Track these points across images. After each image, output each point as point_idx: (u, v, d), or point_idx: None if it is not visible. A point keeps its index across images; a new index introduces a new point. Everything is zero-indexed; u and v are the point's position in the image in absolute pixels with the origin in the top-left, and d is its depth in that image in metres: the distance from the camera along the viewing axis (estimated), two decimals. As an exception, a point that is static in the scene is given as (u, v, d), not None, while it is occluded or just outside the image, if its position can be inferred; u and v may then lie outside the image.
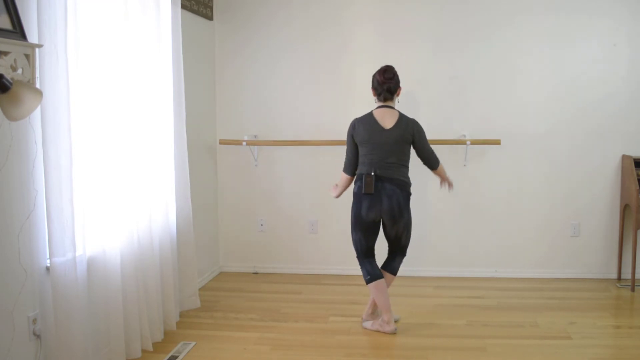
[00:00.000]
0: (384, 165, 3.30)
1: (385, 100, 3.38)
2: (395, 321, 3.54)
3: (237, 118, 4.63)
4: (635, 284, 4.14)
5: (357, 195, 3.36)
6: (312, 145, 4.45)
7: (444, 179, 3.55)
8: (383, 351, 3.24)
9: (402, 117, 3.37)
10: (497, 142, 4.28)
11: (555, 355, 3.08)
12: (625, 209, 4.28)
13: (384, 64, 3.45)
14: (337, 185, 3.59)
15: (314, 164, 4.57)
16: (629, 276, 4.25)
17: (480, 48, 4.35)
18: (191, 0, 4.09)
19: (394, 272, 3.52)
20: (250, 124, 4.61)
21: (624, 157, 4.29)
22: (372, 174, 3.29)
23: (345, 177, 3.50)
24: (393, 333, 3.39)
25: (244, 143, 4.47)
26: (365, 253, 3.44)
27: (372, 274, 3.39)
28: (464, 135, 4.35)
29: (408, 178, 3.39)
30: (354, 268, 4.50)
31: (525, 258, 4.49)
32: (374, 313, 3.58)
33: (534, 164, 4.41)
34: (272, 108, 4.59)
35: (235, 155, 4.66)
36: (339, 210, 4.57)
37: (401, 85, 3.41)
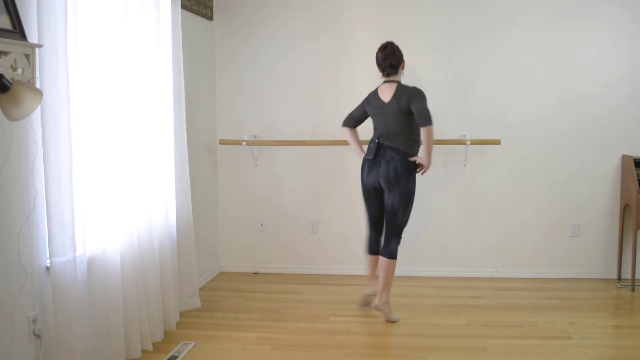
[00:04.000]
0: (386, 135, 3.49)
1: (389, 75, 3.53)
2: (396, 321, 3.56)
3: (237, 118, 4.63)
4: (635, 284, 4.14)
5: (362, 161, 3.61)
6: (312, 145, 4.45)
7: (425, 157, 3.41)
8: (383, 351, 3.25)
9: (398, 88, 3.47)
10: (497, 142, 4.28)
11: (555, 355, 3.08)
12: (625, 209, 4.28)
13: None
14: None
15: (314, 164, 4.57)
16: (629, 276, 4.24)
17: (480, 48, 4.35)
18: (191, 0, 4.09)
19: (392, 255, 3.49)
20: (250, 124, 4.61)
21: (624, 157, 4.29)
22: (376, 141, 3.50)
23: (344, 129, 3.75)
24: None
25: (244, 143, 4.47)
26: (370, 223, 3.70)
27: (368, 245, 3.74)
28: (464, 135, 4.35)
29: (411, 149, 3.49)
30: (354, 268, 4.53)
31: (525, 258, 4.49)
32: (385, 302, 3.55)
33: (534, 164, 4.41)
34: (272, 108, 4.59)
35: (235, 155, 4.66)
36: (339, 210, 4.58)
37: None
